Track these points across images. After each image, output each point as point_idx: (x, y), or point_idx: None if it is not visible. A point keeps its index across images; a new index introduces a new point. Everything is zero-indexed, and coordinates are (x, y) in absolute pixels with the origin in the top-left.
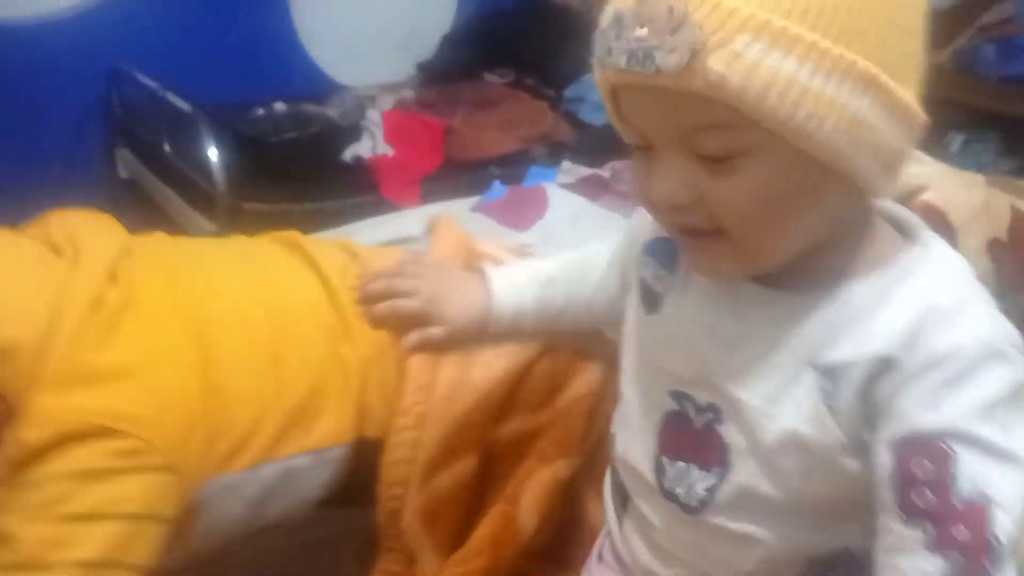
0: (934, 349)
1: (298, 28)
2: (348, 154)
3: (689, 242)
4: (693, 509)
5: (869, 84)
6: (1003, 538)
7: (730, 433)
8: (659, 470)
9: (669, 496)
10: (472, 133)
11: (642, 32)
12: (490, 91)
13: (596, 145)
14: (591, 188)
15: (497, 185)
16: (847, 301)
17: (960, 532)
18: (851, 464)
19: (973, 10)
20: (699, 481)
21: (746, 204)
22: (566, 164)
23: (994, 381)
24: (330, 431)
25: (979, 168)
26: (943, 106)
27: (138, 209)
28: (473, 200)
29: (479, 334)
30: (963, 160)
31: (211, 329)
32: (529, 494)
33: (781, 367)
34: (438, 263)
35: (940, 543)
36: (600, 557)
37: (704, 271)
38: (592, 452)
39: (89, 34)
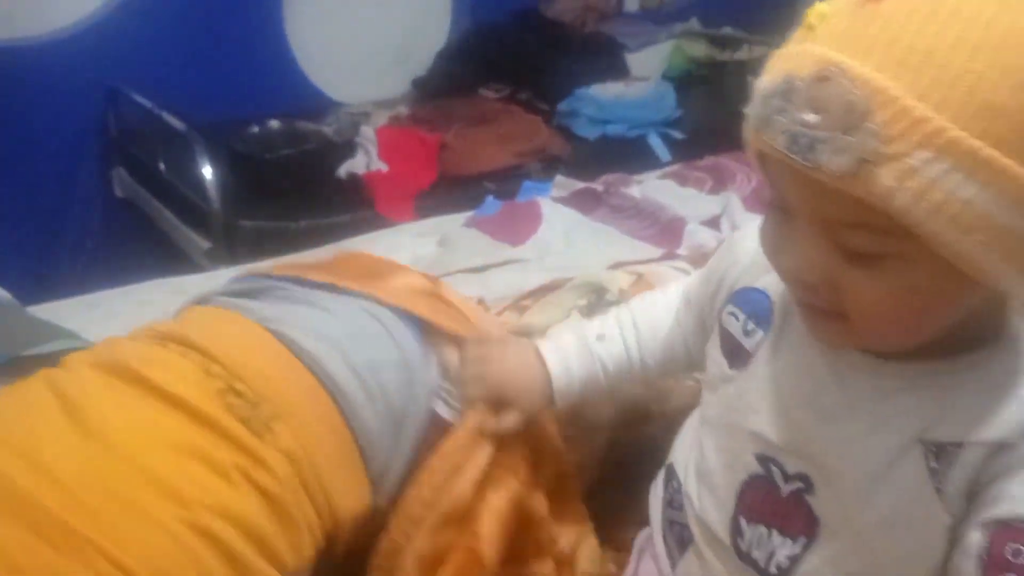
0: None
1: (293, 46)
2: (343, 170)
3: (810, 316)
4: (773, 575)
5: None
6: None
7: (821, 505)
8: (735, 531)
9: (745, 559)
10: (466, 148)
11: (813, 119)
12: (484, 106)
13: (590, 159)
14: (584, 202)
15: (491, 200)
16: (962, 376)
17: None
18: (943, 547)
19: None
20: (780, 548)
21: (882, 304)
22: (559, 178)
23: None
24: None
25: None
26: None
27: (134, 228)
28: (467, 215)
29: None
30: None
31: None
32: (486, 525)
33: (887, 442)
34: (495, 338)
35: None
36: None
37: (822, 340)
38: (542, 468)
39: (85, 55)
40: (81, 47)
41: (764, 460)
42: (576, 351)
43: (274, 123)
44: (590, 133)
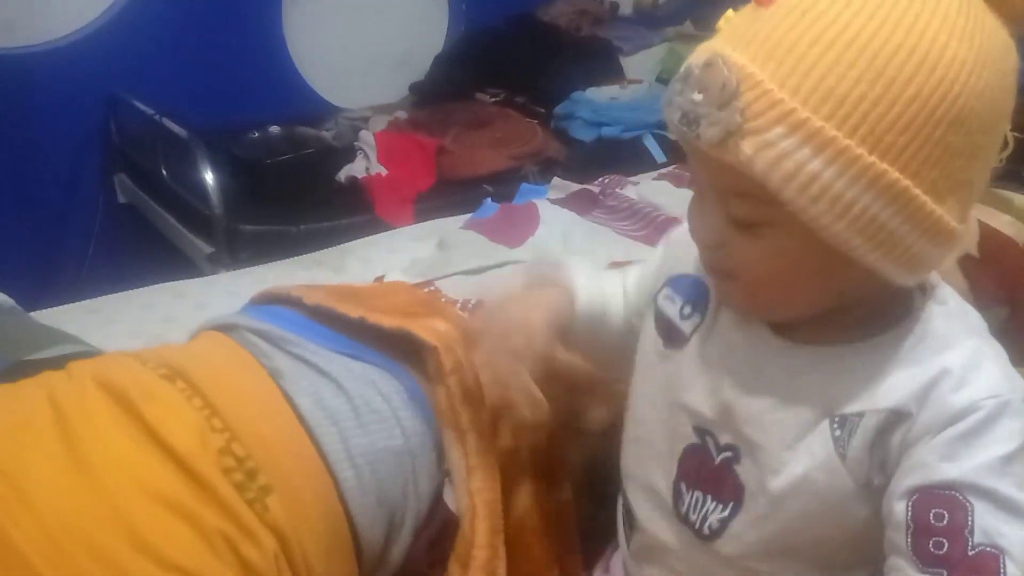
0: (949, 405)
1: (292, 53)
2: (342, 175)
3: (713, 280)
4: (706, 537)
5: (897, 195)
6: None
7: (745, 472)
8: (677, 495)
9: (684, 521)
10: (464, 152)
11: (698, 97)
12: (481, 110)
13: (586, 161)
14: (581, 203)
15: (489, 203)
16: (865, 356)
17: None
18: (860, 510)
19: None
20: (713, 512)
21: (758, 265)
22: (556, 180)
23: (1009, 435)
24: None
25: None
26: None
27: (137, 233)
28: (465, 218)
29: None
30: None
31: None
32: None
33: (798, 416)
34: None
35: None
36: (607, 569)
37: (728, 304)
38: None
39: (86, 62)
40: (82, 55)
41: (700, 432)
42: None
43: (274, 128)
44: (586, 136)
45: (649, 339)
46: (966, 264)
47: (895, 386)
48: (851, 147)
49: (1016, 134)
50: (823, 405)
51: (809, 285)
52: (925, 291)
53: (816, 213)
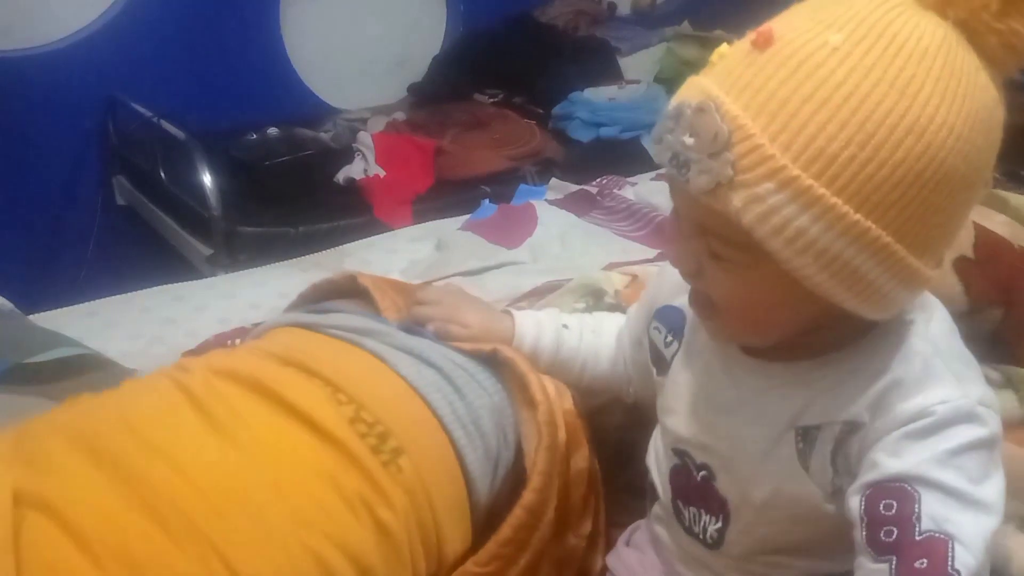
0: (899, 411)
1: (290, 54)
2: (341, 176)
3: (692, 303)
4: (710, 546)
5: (879, 250)
6: (964, 572)
7: (724, 488)
8: (677, 511)
9: (689, 533)
10: (462, 153)
11: (689, 140)
12: (479, 111)
13: (584, 162)
14: (579, 204)
15: (487, 204)
16: (826, 370)
17: (922, 564)
18: (831, 510)
19: None
20: (710, 524)
21: (733, 296)
22: (554, 181)
23: (959, 436)
24: None
25: None
26: None
27: (135, 235)
28: (463, 219)
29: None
30: None
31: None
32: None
33: (767, 430)
34: (460, 290)
35: (903, 575)
36: (628, 542)
37: (706, 327)
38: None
39: (85, 65)
40: (81, 57)
41: (679, 453)
42: (546, 317)
43: (272, 130)
44: (584, 136)
45: (648, 371)
46: (961, 266)
47: (850, 398)
48: (838, 204)
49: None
50: (788, 418)
51: (780, 317)
52: None
53: (800, 264)
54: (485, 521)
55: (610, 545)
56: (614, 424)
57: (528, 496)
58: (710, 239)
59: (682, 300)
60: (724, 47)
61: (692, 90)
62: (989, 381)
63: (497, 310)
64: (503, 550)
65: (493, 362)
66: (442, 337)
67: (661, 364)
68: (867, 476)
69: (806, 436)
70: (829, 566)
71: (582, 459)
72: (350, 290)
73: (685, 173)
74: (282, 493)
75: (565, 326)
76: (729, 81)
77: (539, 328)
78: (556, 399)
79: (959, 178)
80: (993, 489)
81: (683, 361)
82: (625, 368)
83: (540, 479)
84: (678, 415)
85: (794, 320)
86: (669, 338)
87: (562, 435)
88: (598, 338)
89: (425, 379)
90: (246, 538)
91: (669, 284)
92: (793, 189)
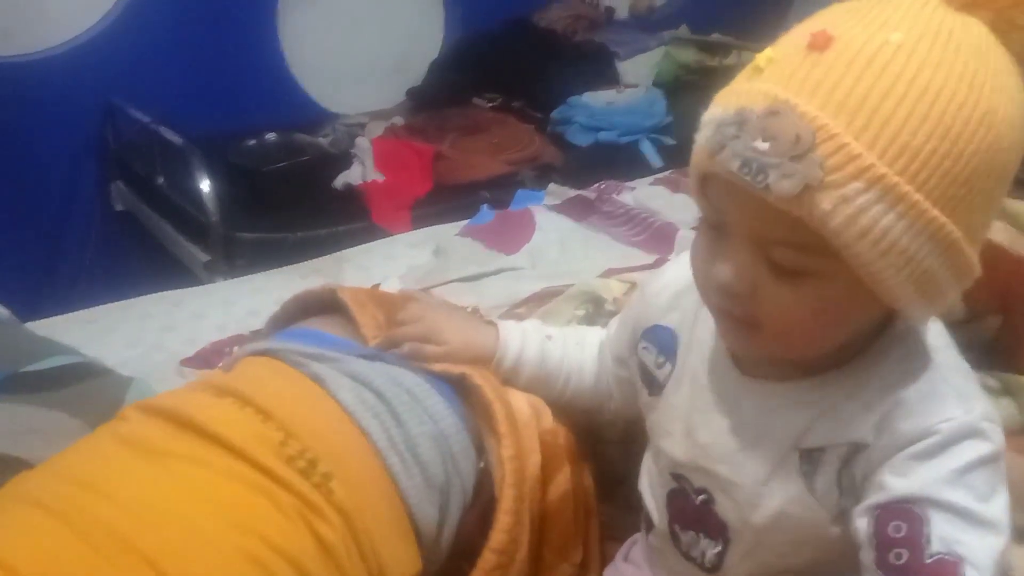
0: (903, 432)
1: (288, 59)
2: (339, 181)
3: (726, 324)
4: (709, 570)
5: (949, 246)
6: None
7: (725, 512)
8: (674, 536)
9: (687, 558)
10: (461, 158)
11: (763, 146)
12: (478, 116)
13: (583, 166)
14: (577, 209)
15: (485, 209)
16: (828, 391)
17: None
18: (836, 532)
19: None
20: (709, 548)
21: (794, 315)
22: (553, 186)
23: (965, 454)
24: None
25: None
26: None
27: (133, 241)
28: (462, 224)
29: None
30: None
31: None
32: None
33: (769, 452)
34: (444, 303)
35: None
36: (626, 557)
37: (736, 348)
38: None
39: (83, 70)
40: (78, 63)
41: (677, 476)
42: (531, 327)
43: (270, 136)
44: (582, 140)
45: (638, 392)
46: None
47: (854, 418)
48: (920, 201)
49: None
50: (791, 440)
51: (836, 331)
52: (891, 319)
53: (882, 267)
54: (456, 549)
55: (607, 560)
56: (615, 437)
57: (496, 537)
58: (775, 251)
59: (672, 319)
60: (769, 51)
61: (750, 96)
62: (987, 389)
63: (482, 321)
64: None
65: (460, 387)
66: (414, 358)
67: (653, 385)
68: (875, 498)
69: (811, 458)
70: None
71: (564, 480)
72: (331, 303)
73: (763, 180)
74: (216, 504)
75: (549, 337)
76: (795, 83)
77: (524, 339)
78: (531, 421)
79: (1010, 170)
80: (1001, 506)
81: (678, 383)
82: (607, 384)
83: (507, 519)
84: (674, 438)
85: (845, 331)
86: (661, 359)
87: (535, 461)
88: (582, 351)
89: (364, 405)
90: (180, 546)
91: (656, 303)
92: (881, 187)
